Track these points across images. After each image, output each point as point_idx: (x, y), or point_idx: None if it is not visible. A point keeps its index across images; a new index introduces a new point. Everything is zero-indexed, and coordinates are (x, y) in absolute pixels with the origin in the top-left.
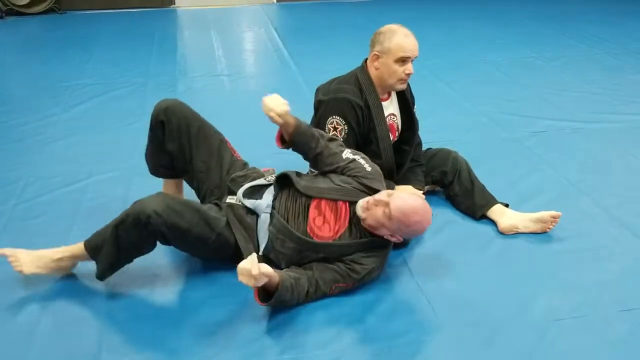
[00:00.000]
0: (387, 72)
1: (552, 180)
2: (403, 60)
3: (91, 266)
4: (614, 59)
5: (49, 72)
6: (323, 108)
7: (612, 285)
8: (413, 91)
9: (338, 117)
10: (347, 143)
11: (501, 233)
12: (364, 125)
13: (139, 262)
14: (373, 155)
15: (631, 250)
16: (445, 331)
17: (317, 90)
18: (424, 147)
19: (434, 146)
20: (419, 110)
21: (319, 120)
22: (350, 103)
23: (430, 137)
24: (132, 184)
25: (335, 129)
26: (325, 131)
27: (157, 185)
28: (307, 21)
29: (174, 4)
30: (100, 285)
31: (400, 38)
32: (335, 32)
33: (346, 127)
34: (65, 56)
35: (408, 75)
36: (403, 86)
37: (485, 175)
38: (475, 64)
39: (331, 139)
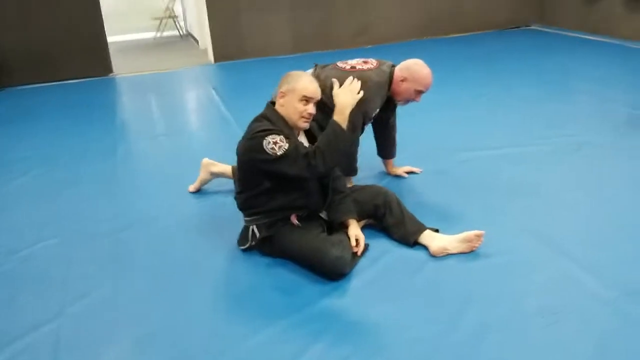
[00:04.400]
0: (292, 109)
1: (479, 205)
2: (307, 100)
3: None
4: (531, 89)
5: None
6: (250, 145)
7: (535, 295)
8: None
9: (270, 136)
10: (297, 149)
11: (433, 256)
12: None
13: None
14: (295, 188)
15: (551, 263)
16: (386, 352)
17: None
18: (356, 183)
19: (365, 183)
20: None
21: (249, 162)
22: (272, 127)
23: (363, 173)
24: (77, 247)
25: (275, 144)
26: (269, 154)
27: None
28: (245, 78)
29: (112, 72)
30: None
31: (306, 81)
32: (272, 86)
33: (284, 138)
34: (5, 131)
35: (309, 114)
36: (306, 125)
37: (415, 206)
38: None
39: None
